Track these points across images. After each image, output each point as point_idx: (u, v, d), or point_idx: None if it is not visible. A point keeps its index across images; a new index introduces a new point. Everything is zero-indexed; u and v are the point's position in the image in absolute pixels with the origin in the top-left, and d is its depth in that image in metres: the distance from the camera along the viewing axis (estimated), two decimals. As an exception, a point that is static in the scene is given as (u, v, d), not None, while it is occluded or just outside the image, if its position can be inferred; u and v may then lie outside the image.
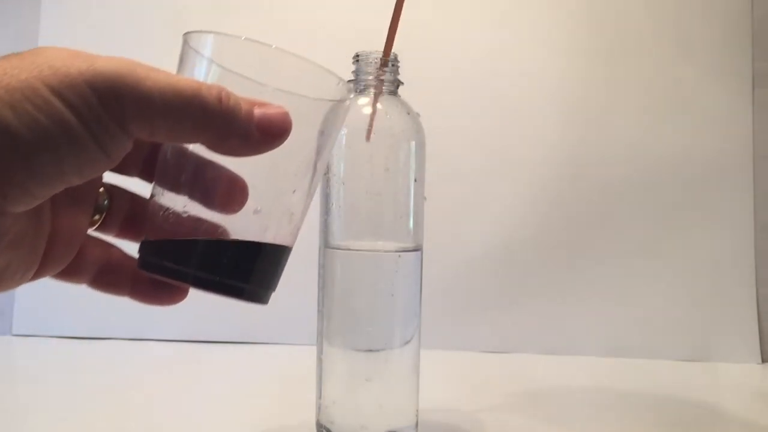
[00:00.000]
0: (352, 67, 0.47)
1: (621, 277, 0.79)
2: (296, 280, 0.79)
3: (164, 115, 0.23)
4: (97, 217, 0.30)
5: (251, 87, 0.25)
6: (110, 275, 0.30)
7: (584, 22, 0.81)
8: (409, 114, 0.47)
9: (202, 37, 0.27)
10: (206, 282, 0.27)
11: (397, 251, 0.46)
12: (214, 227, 0.28)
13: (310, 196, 0.30)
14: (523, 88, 0.81)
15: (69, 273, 0.29)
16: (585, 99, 0.81)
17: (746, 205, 0.79)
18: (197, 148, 0.27)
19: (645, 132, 0.80)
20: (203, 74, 0.26)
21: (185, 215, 0.27)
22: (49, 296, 0.81)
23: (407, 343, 0.47)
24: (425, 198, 0.48)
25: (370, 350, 0.46)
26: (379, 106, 0.45)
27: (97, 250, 0.30)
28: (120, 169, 0.29)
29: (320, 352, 0.47)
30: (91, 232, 0.30)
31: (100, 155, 0.23)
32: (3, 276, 0.25)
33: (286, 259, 0.30)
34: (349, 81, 0.47)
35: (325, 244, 0.46)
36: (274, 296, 0.31)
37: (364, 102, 0.46)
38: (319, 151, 0.29)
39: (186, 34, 0.27)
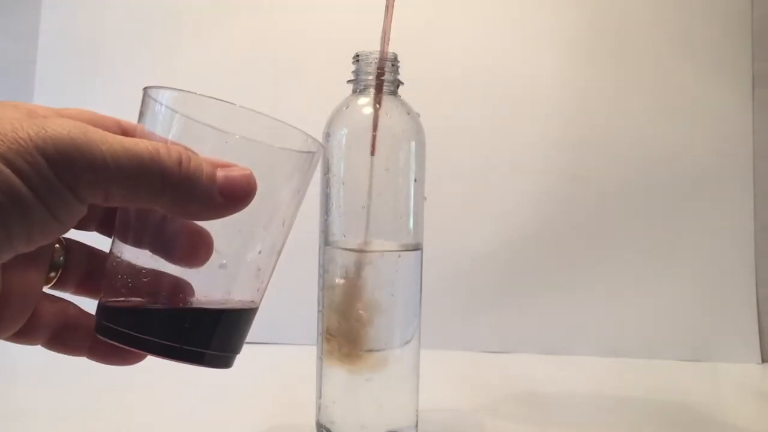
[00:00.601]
0: (352, 67, 0.47)
1: (621, 276, 0.79)
2: (296, 280, 0.80)
3: (119, 180, 0.22)
4: (53, 274, 0.29)
5: (216, 136, 0.24)
6: (67, 335, 0.28)
7: (585, 23, 0.81)
8: (409, 114, 0.47)
9: (163, 92, 0.26)
10: (166, 350, 0.25)
11: (397, 251, 0.46)
12: (177, 283, 0.27)
13: (278, 252, 0.29)
14: (524, 88, 0.81)
15: (23, 334, 0.27)
16: (585, 99, 0.81)
17: (746, 205, 0.79)
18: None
19: (645, 132, 0.80)
20: (166, 125, 0.25)
21: (146, 271, 0.26)
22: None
23: (407, 343, 0.47)
24: (425, 198, 0.48)
25: (370, 350, 0.46)
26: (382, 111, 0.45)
27: (53, 309, 0.28)
28: (78, 225, 0.27)
29: (320, 352, 0.47)
30: (46, 289, 0.29)
31: (51, 223, 0.22)
32: None
33: (251, 321, 0.29)
34: (348, 81, 0.47)
35: (325, 244, 0.46)
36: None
37: (364, 102, 0.46)
38: (288, 205, 0.28)
39: (146, 88, 0.26)
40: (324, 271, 0.47)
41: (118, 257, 0.26)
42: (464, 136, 0.81)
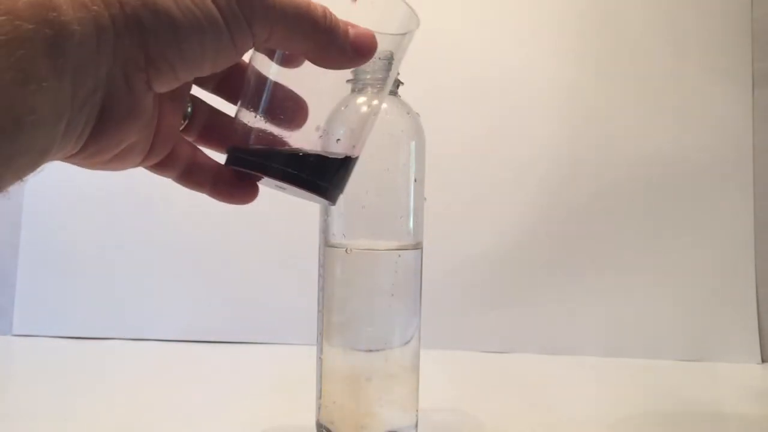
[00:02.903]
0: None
1: (621, 277, 0.79)
2: (296, 280, 0.80)
3: (282, 21, 0.27)
4: (183, 121, 0.33)
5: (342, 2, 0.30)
6: (195, 172, 0.33)
7: (584, 23, 0.81)
8: (409, 114, 0.47)
9: None
10: (288, 176, 0.31)
11: (397, 251, 0.46)
12: (284, 140, 0.32)
13: (375, 114, 0.35)
14: (524, 88, 0.81)
15: (163, 165, 0.32)
16: (585, 99, 0.81)
17: (746, 205, 0.79)
18: (274, 73, 0.31)
19: (645, 132, 0.80)
20: None
21: (264, 128, 0.32)
22: (49, 296, 0.81)
23: (407, 343, 0.47)
24: (425, 198, 0.48)
25: (370, 350, 0.46)
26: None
27: (186, 149, 0.33)
28: (200, 83, 0.33)
29: (320, 352, 0.47)
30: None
31: (231, 48, 0.27)
32: (131, 153, 0.29)
33: (352, 167, 0.34)
34: (348, 81, 0.47)
35: (326, 244, 0.46)
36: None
37: (362, 101, 0.46)
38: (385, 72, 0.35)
39: None
40: (324, 270, 0.47)
41: (241, 118, 0.32)
42: (464, 136, 0.81)
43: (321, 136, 0.33)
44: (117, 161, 0.29)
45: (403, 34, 0.33)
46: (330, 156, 0.33)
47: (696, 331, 0.78)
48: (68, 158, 0.26)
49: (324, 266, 0.47)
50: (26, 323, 0.81)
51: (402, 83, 0.47)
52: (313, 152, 0.33)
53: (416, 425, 0.47)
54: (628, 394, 0.64)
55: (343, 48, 0.29)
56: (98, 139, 0.26)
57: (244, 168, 0.32)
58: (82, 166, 0.28)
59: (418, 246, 0.47)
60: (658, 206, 0.79)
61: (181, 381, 0.65)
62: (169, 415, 0.54)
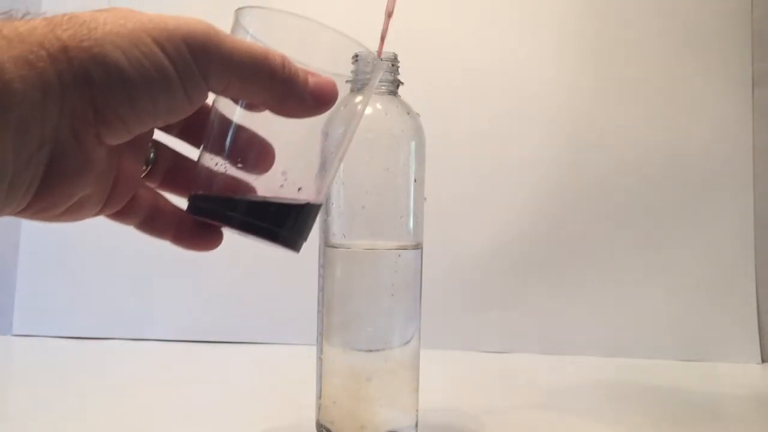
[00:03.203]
0: (351, 67, 0.46)
1: (621, 276, 0.79)
2: (296, 280, 0.80)
3: (239, 73, 0.27)
4: (145, 167, 0.33)
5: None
6: (156, 220, 0.33)
7: (584, 23, 0.81)
8: (409, 114, 0.47)
9: (247, 12, 0.30)
10: (250, 225, 0.30)
11: (397, 251, 0.46)
12: (248, 186, 0.31)
13: (339, 159, 0.34)
14: (523, 87, 0.81)
15: (123, 214, 0.32)
16: (585, 99, 0.81)
17: (746, 205, 0.79)
18: (238, 117, 0.30)
19: (645, 132, 0.80)
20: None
21: (226, 174, 0.31)
22: (49, 296, 0.81)
23: (407, 343, 0.47)
24: (425, 198, 0.48)
25: (370, 350, 0.46)
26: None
27: (148, 196, 0.33)
28: (163, 128, 0.33)
29: (320, 352, 0.47)
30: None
31: (185, 101, 0.26)
32: (84, 206, 0.28)
33: (316, 214, 0.33)
34: (347, 81, 0.47)
35: (325, 244, 0.46)
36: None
37: (359, 101, 0.46)
38: (352, 115, 0.33)
39: (237, 10, 0.30)
40: (324, 270, 0.47)
41: (204, 162, 0.31)
42: (464, 136, 0.81)
43: (285, 181, 0.32)
44: (69, 214, 0.28)
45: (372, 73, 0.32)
46: (292, 203, 0.32)
47: (696, 331, 0.78)
48: (16, 214, 0.26)
49: (324, 266, 0.47)
50: (26, 323, 0.81)
51: (402, 83, 0.47)
52: (274, 200, 0.32)
53: (416, 425, 0.47)
54: (628, 394, 0.64)
55: (302, 97, 0.28)
56: (46, 195, 0.25)
57: (203, 217, 0.31)
58: (32, 220, 0.27)
59: (418, 246, 0.47)
60: (658, 206, 0.79)
61: (181, 381, 0.65)
62: (169, 415, 0.54)
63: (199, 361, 0.73)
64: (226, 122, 0.31)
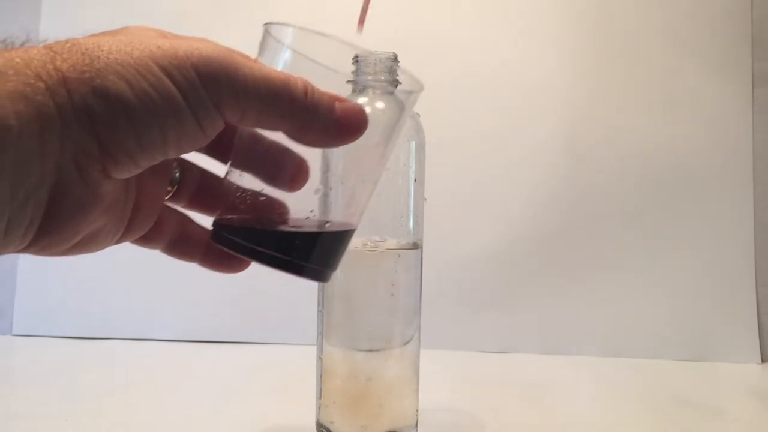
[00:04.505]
0: (352, 68, 0.46)
1: (621, 276, 0.79)
2: (296, 280, 0.79)
3: (255, 102, 0.25)
4: (170, 188, 0.32)
5: (325, 74, 0.27)
6: (184, 243, 0.32)
7: (584, 23, 0.81)
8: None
9: (283, 29, 0.29)
10: (273, 260, 0.28)
11: (397, 251, 0.46)
12: (279, 205, 0.30)
13: (374, 182, 0.32)
14: (523, 88, 0.81)
15: (147, 239, 0.31)
16: (585, 99, 0.81)
17: (746, 205, 0.79)
18: (269, 133, 0.28)
19: (645, 131, 0.80)
20: (281, 61, 0.28)
21: (255, 193, 0.29)
22: (49, 296, 0.81)
23: (407, 343, 0.47)
24: (425, 198, 0.48)
25: (370, 350, 0.46)
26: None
27: (173, 219, 0.32)
28: None
29: (320, 352, 0.47)
30: (164, 202, 0.32)
31: (197, 133, 0.25)
32: (97, 237, 0.27)
33: (348, 240, 0.31)
34: (348, 82, 0.47)
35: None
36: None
37: (362, 102, 0.46)
38: (387, 138, 0.31)
39: (266, 24, 0.29)
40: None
41: (233, 182, 0.29)
42: (464, 136, 0.81)
43: (320, 200, 0.30)
44: (83, 247, 0.27)
45: (409, 92, 0.30)
46: (325, 232, 0.30)
47: (696, 331, 0.78)
48: (19, 251, 0.25)
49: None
50: (26, 323, 0.81)
51: (401, 83, 0.47)
52: (304, 230, 0.30)
53: (416, 425, 0.47)
54: (628, 394, 0.64)
55: (326, 126, 0.26)
56: (49, 233, 0.24)
57: (225, 248, 0.29)
58: (41, 256, 0.26)
59: (418, 246, 0.47)
60: (658, 206, 0.79)
61: (181, 381, 0.65)
62: (169, 415, 0.54)
63: (199, 361, 0.73)
64: (255, 136, 0.29)
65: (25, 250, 0.24)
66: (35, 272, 0.82)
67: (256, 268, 0.30)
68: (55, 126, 0.22)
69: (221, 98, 0.24)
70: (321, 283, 0.47)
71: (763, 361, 0.76)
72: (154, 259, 0.87)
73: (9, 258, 0.82)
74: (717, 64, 0.80)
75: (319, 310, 0.47)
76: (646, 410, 0.59)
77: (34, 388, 0.61)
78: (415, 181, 0.46)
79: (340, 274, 0.46)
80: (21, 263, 0.82)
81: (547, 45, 0.81)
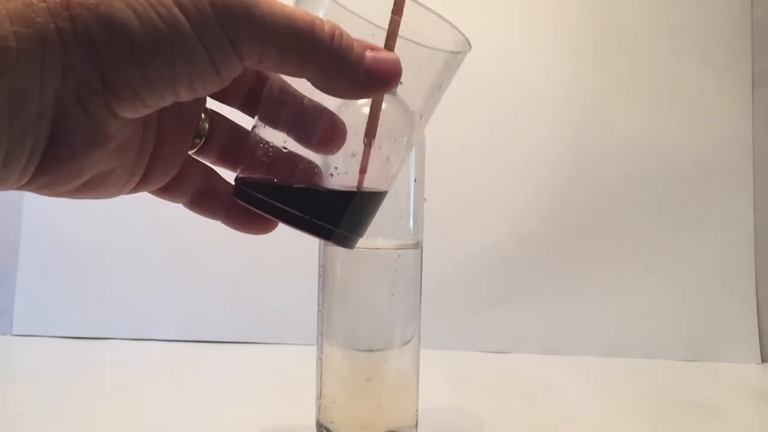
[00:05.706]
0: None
1: (621, 276, 0.79)
2: (296, 280, 0.80)
3: (275, 42, 0.23)
4: (197, 140, 0.30)
5: (365, 27, 0.25)
6: (207, 199, 0.30)
7: (584, 24, 0.81)
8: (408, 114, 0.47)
9: None
10: (298, 220, 0.26)
11: (397, 251, 0.46)
12: (310, 166, 0.27)
13: (409, 147, 0.30)
14: (523, 88, 0.81)
15: (168, 190, 0.30)
16: (585, 99, 0.81)
17: (746, 205, 0.79)
18: (303, 86, 0.26)
19: (645, 132, 0.80)
20: (319, 10, 0.26)
21: (284, 151, 0.27)
22: (49, 296, 0.81)
23: (407, 343, 0.47)
24: (425, 199, 0.48)
25: (370, 350, 0.46)
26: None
27: (197, 172, 0.30)
28: (223, 98, 0.30)
29: (320, 351, 0.47)
30: (190, 154, 0.30)
31: (210, 72, 0.23)
32: (106, 181, 0.26)
33: (379, 205, 0.29)
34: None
35: (326, 243, 0.46)
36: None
37: (363, 102, 0.46)
38: (426, 101, 0.29)
39: None
40: (324, 270, 0.47)
41: (259, 135, 0.27)
42: (464, 137, 0.81)
43: (354, 166, 0.28)
44: (90, 191, 0.25)
45: (456, 53, 0.27)
46: (357, 192, 0.28)
47: (696, 331, 0.78)
48: (19, 188, 0.23)
49: (324, 266, 0.47)
50: (26, 323, 0.81)
51: (401, 83, 0.47)
52: (333, 190, 0.27)
53: (416, 425, 0.47)
54: (628, 394, 0.64)
55: (354, 76, 0.24)
56: (50, 170, 0.22)
57: (247, 204, 0.27)
58: (41, 194, 0.24)
59: (418, 246, 0.47)
60: (658, 205, 0.79)
61: (181, 381, 0.65)
62: (169, 415, 0.54)
63: (199, 361, 0.73)
64: (286, 89, 0.26)
65: (27, 187, 0.23)
66: (35, 272, 0.82)
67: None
68: (56, 50, 0.20)
69: (238, 35, 0.22)
70: (321, 283, 0.47)
71: (763, 361, 0.77)
72: (155, 259, 0.87)
73: (9, 258, 0.82)
74: (717, 64, 0.80)
75: (319, 310, 0.47)
76: (646, 410, 0.59)
77: (34, 388, 0.61)
78: (415, 181, 0.46)
79: (340, 274, 0.46)
80: (21, 263, 0.82)
81: (548, 46, 0.81)
